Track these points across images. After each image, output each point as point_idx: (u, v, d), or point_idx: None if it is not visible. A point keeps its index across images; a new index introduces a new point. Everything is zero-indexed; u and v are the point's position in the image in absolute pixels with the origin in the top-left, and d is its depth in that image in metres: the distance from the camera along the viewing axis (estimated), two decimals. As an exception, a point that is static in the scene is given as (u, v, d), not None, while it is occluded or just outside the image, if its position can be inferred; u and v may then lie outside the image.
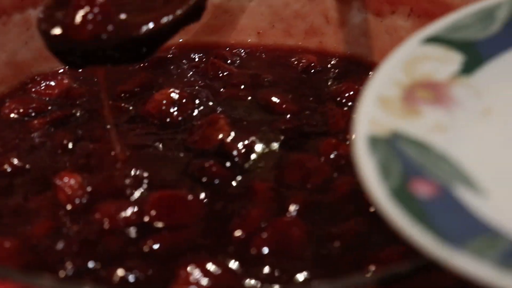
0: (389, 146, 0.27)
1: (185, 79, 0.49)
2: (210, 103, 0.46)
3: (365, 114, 0.29)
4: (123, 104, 0.46)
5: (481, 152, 0.28)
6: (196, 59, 0.51)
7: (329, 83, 0.48)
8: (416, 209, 0.24)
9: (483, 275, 0.21)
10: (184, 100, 0.46)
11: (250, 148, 0.42)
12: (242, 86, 0.48)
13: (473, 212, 0.25)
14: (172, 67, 0.51)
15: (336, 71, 0.50)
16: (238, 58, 0.51)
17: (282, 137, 0.43)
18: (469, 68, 0.32)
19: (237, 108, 0.46)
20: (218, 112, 0.45)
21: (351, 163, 0.34)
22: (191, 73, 0.50)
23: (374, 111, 0.29)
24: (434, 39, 0.33)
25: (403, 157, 0.27)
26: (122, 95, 0.47)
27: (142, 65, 0.50)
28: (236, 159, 0.41)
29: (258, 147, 0.42)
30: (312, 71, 0.50)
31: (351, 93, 0.45)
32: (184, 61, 0.51)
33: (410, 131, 0.29)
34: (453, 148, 0.28)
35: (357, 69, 0.49)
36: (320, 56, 0.51)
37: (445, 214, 0.24)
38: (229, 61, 0.51)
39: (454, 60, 0.32)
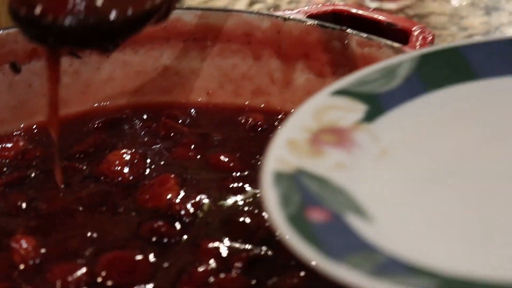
0: (292, 180, 0.32)
1: (138, 139, 0.51)
2: (162, 163, 0.48)
3: (274, 154, 0.33)
4: (77, 164, 0.48)
5: (374, 186, 0.32)
6: (148, 120, 0.53)
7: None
8: (308, 231, 0.29)
9: (357, 282, 0.26)
10: (136, 160, 0.48)
11: (198, 207, 0.44)
12: (192, 146, 0.50)
13: (357, 234, 0.29)
14: (125, 127, 0.53)
15: (282, 128, 0.52)
16: (188, 118, 0.54)
17: (230, 195, 0.45)
18: (370, 116, 0.37)
19: (187, 168, 0.48)
20: (169, 171, 0.47)
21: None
22: (143, 133, 0.52)
23: (282, 152, 0.34)
24: (342, 92, 0.38)
25: (303, 189, 0.31)
26: (77, 155, 0.49)
27: (96, 126, 0.52)
28: (185, 218, 0.43)
29: (206, 206, 0.44)
30: (259, 129, 0.52)
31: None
32: (136, 121, 0.53)
33: (313, 169, 0.33)
34: (350, 182, 0.32)
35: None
36: (266, 114, 0.53)
37: (333, 235, 0.29)
38: (180, 121, 0.53)
39: (358, 109, 0.37)
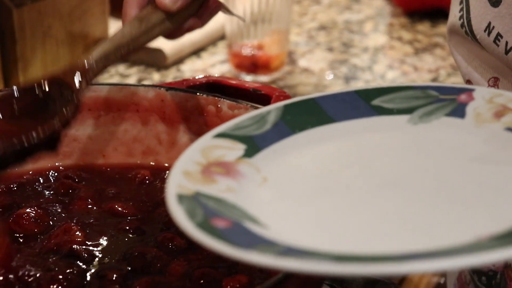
0: (193, 200, 0.39)
1: (41, 199, 0.58)
2: (63, 215, 0.56)
3: (173, 181, 0.40)
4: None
5: (261, 204, 0.41)
6: (49, 181, 0.61)
7: (162, 191, 0.59)
8: (216, 234, 0.36)
9: (269, 262, 0.34)
10: (41, 215, 0.55)
11: (99, 247, 0.51)
12: (90, 200, 0.57)
13: (257, 234, 0.37)
14: (28, 188, 0.59)
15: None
16: (85, 177, 0.61)
17: (126, 234, 0.53)
18: (249, 153, 0.45)
19: (87, 217, 0.55)
20: (71, 221, 0.54)
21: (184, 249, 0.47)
22: (45, 192, 0.59)
23: (180, 180, 0.40)
24: (222, 135, 0.46)
25: (203, 206, 0.38)
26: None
27: (2, 190, 0.59)
28: (88, 258, 0.51)
29: (107, 246, 0.52)
30: (147, 182, 0.61)
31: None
32: (38, 183, 0.60)
33: (208, 192, 0.40)
34: (241, 201, 0.40)
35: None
36: (154, 171, 0.62)
37: (238, 235, 0.36)
38: (76, 180, 0.61)
39: (238, 148, 0.45)
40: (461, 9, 0.62)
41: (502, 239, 0.33)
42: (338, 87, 0.99)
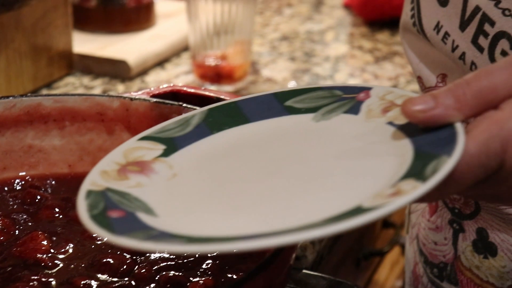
0: (100, 195, 0.45)
1: (8, 208, 0.59)
2: (30, 224, 0.56)
3: (88, 180, 0.46)
4: None
5: (163, 196, 0.46)
6: (15, 191, 0.61)
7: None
8: (105, 222, 0.42)
9: (129, 244, 0.39)
10: (7, 224, 0.55)
11: (66, 254, 0.52)
12: (56, 208, 0.58)
13: (142, 222, 0.43)
14: (-5, 199, 0.60)
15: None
16: (51, 186, 0.62)
17: (93, 241, 0.54)
18: (167, 153, 0.50)
19: (53, 226, 0.56)
20: (37, 230, 0.55)
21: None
22: (11, 201, 0.60)
23: (95, 178, 0.46)
24: (146, 137, 0.51)
25: (107, 200, 0.44)
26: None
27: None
28: (54, 266, 0.51)
29: (73, 253, 0.52)
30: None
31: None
32: (4, 192, 0.61)
33: (117, 187, 0.46)
34: (145, 195, 0.46)
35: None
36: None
37: (125, 223, 0.42)
38: (42, 189, 0.61)
39: (158, 148, 0.50)
40: (413, 8, 0.65)
41: (327, 222, 0.38)
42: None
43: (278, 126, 0.51)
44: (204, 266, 0.51)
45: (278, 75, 1.09)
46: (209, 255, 0.52)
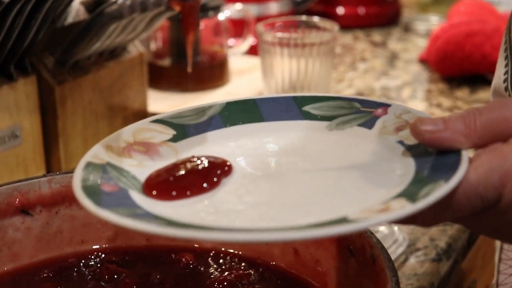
0: (98, 168, 0.45)
1: (85, 285, 0.57)
2: (110, 303, 0.54)
3: (92, 152, 0.47)
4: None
5: None
6: (93, 266, 0.60)
7: (207, 276, 0.58)
8: (95, 194, 0.43)
9: (110, 219, 0.41)
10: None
11: None
12: (135, 286, 0.56)
13: (131, 199, 0.44)
14: (72, 274, 0.59)
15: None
16: (129, 261, 0.60)
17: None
18: (176, 138, 0.51)
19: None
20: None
21: None
22: (89, 278, 0.58)
23: (99, 151, 0.47)
24: (159, 121, 0.52)
25: (105, 173, 0.45)
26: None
27: (45, 275, 0.58)
28: None
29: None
30: (191, 266, 0.59)
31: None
32: (82, 268, 0.59)
33: (118, 164, 0.47)
34: (144, 175, 0.47)
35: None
36: (198, 254, 0.60)
37: (114, 199, 0.43)
38: (121, 264, 0.60)
39: (168, 133, 0.51)
40: (506, 72, 0.62)
41: (309, 227, 0.40)
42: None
43: (289, 128, 0.52)
44: None
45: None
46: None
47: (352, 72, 1.31)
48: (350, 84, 1.25)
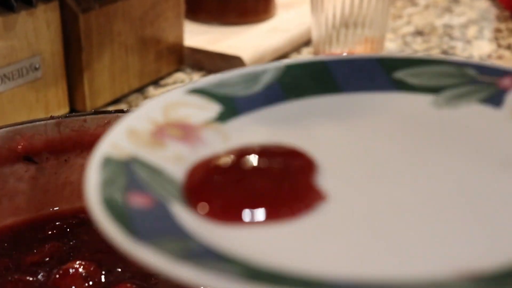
0: (122, 166, 0.30)
1: (95, 245, 0.49)
2: (119, 270, 0.47)
3: (110, 139, 0.32)
4: (29, 278, 0.46)
5: None
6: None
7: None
8: (122, 213, 0.27)
9: (154, 264, 0.25)
10: (92, 269, 0.46)
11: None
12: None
13: (177, 223, 0.28)
14: (80, 232, 0.51)
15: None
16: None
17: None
18: (223, 117, 0.37)
19: (146, 276, 0.46)
20: (126, 280, 0.45)
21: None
22: (99, 237, 0.50)
23: (119, 138, 0.32)
24: (198, 91, 0.37)
25: (131, 175, 0.30)
26: (31, 266, 0.47)
27: (51, 232, 0.51)
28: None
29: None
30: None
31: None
32: (92, 225, 0.51)
33: (148, 158, 0.32)
34: (178, 172, 0.31)
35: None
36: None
37: (151, 220, 0.27)
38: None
39: (211, 109, 0.37)
40: None
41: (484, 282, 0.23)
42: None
43: (383, 105, 0.39)
44: None
45: (412, 77, 0.95)
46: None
47: (411, 8, 1.18)
48: (409, 21, 1.13)
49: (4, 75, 0.72)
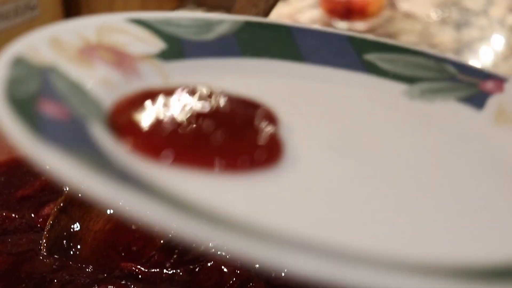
0: (36, 71, 0.28)
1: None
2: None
3: (28, 42, 0.29)
4: (14, 215, 0.45)
5: None
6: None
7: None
8: (30, 115, 0.24)
9: (66, 171, 0.22)
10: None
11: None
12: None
13: (92, 140, 0.26)
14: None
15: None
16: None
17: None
18: (166, 56, 0.34)
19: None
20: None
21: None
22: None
23: (40, 44, 0.30)
24: (141, 22, 0.35)
25: (46, 83, 0.27)
26: (21, 200, 0.47)
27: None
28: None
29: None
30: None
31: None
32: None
33: (70, 72, 0.29)
34: (106, 96, 0.30)
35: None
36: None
37: (63, 131, 0.25)
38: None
39: (154, 44, 0.34)
40: None
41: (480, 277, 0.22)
42: (447, 35, 0.85)
43: (350, 83, 0.36)
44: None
45: (420, 9, 0.93)
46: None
47: None
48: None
49: (1, 14, 0.71)
